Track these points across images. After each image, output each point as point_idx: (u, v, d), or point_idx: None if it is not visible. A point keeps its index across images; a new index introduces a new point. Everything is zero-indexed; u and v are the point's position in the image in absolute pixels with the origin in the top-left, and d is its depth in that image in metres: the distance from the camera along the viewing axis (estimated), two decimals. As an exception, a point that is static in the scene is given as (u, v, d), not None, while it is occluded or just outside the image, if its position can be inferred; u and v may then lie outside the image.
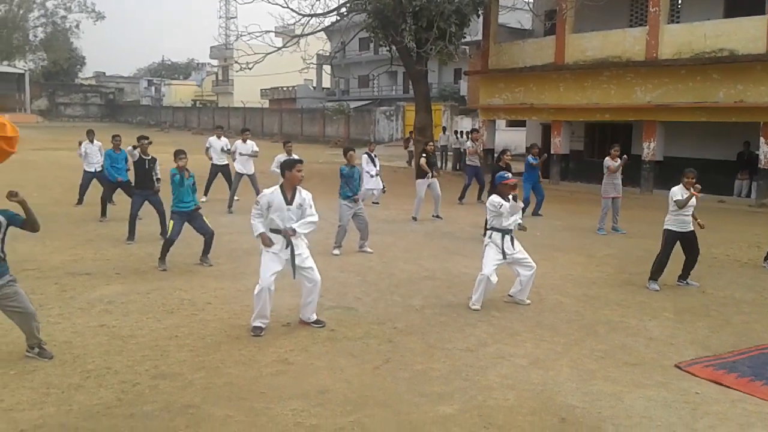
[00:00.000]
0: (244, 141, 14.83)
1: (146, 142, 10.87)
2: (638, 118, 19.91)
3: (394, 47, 22.98)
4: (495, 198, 7.50)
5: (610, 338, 6.64)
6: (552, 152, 22.12)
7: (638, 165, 19.53)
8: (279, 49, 23.45)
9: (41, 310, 6.95)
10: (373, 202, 15.87)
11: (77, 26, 72.40)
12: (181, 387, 5.19)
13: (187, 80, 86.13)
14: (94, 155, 14.07)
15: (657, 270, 8.61)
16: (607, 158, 13.00)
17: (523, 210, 14.56)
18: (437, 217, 13.99)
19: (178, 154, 9.32)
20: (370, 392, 5.21)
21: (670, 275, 8.81)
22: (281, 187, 6.51)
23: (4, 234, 5.36)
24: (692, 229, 8.59)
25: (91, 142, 14.24)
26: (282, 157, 13.27)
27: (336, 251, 10.27)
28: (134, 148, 10.91)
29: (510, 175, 7.80)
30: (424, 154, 14.24)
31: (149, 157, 10.82)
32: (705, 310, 7.72)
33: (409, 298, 7.90)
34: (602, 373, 5.70)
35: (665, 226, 8.64)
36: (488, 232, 7.66)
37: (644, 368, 5.83)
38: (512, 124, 30.79)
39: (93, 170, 14.15)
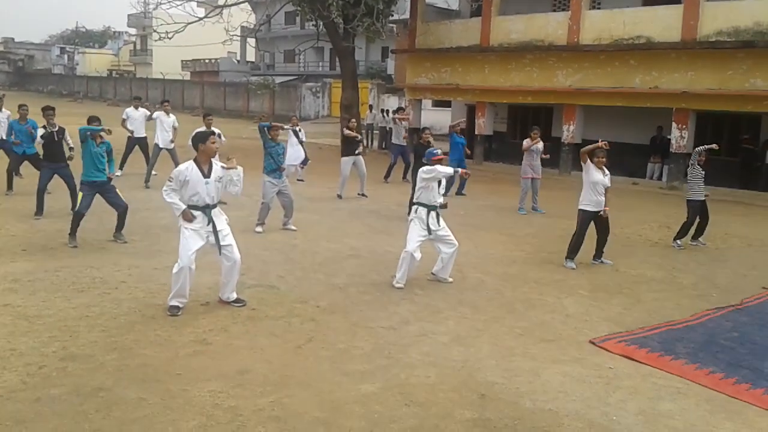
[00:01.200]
0: (167, 113, 14.29)
1: (51, 113, 10.27)
2: (559, 102, 20.39)
3: (320, 22, 22.60)
4: (427, 167, 7.51)
5: (529, 315, 6.78)
6: (476, 133, 22.45)
7: (558, 147, 20.03)
8: (201, 19, 22.67)
9: (-63, 288, 6.53)
10: (297, 179, 15.66)
11: (-18, -13, 68.02)
12: (92, 369, 4.95)
13: (102, 49, 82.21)
14: (1, 124, 13.22)
15: (573, 249, 8.87)
16: (526, 140, 13.29)
17: (447, 189, 14.81)
18: (362, 195, 13.94)
19: (92, 120, 8.85)
20: (292, 372, 5.13)
21: (586, 254, 9.08)
22: (195, 161, 6.28)
23: None
24: (606, 209, 8.87)
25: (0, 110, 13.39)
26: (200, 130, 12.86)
27: (258, 229, 10.06)
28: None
29: (440, 151, 7.84)
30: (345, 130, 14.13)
31: (56, 128, 10.24)
32: (618, 287, 8.01)
33: (333, 277, 7.82)
34: (521, 349, 5.81)
35: (580, 206, 8.89)
36: (414, 207, 7.66)
37: (560, 344, 5.98)
38: (438, 104, 31.03)
39: (-1, 140, 13.31)
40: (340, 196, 13.72)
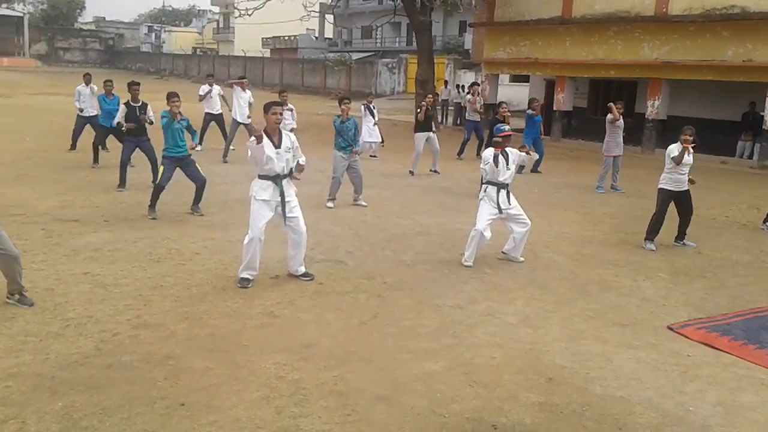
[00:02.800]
0: (243, 89, 14.53)
1: (136, 88, 10.60)
2: (644, 75, 19.49)
3: (397, -4, 22.43)
4: (487, 152, 7.33)
5: (602, 298, 6.53)
6: (555, 109, 21.83)
7: (641, 123, 19.24)
8: (279, -5, 22.89)
9: (25, 256, 6.80)
10: (370, 156, 15.68)
11: (77, -32, 71.30)
12: (163, 338, 5.09)
13: (187, 27, 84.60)
14: (89, 99, 13.80)
15: (652, 230, 8.48)
16: (609, 115, 12.75)
17: (522, 167, 14.44)
18: (435, 171, 13.79)
19: (171, 96, 9.07)
20: (356, 347, 5.12)
21: (668, 235, 8.67)
22: (265, 131, 6.31)
23: None
24: (687, 188, 8.43)
25: (87, 85, 13.96)
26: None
27: (330, 204, 10.11)
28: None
29: (507, 127, 7.63)
30: (418, 109, 13.91)
31: (139, 104, 10.57)
32: (700, 271, 7.61)
33: (401, 253, 7.77)
34: (592, 333, 5.60)
35: (660, 185, 8.49)
36: (483, 186, 7.49)
37: (635, 329, 5.73)
38: (516, 79, 30.33)
39: (87, 115, 13.89)
40: (412, 173, 13.63)
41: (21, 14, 66.70)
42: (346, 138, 10.01)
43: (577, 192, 12.61)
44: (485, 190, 7.41)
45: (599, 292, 6.72)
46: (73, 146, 14.24)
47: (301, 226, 6.44)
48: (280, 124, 6.40)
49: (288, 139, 6.40)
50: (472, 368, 4.83)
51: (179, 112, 9.00)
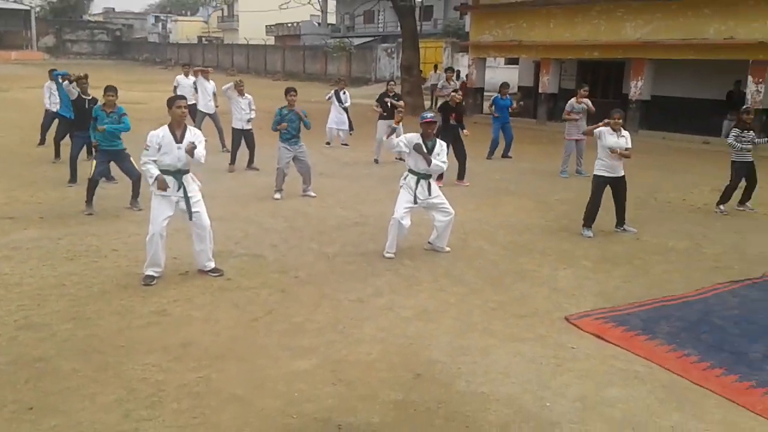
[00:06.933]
0: (207, 79, 14.45)
1: (84, 81, 10.59)
2: (627, 56, 19.14)
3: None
4: (408, 136, 7.22)
5: (512, 288, 6.41)
6: (540, 91, 21.54)
7: (626, 104, 18.90)
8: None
9: (-57, 256, 6.90)
10: (342, 144, 15.59)
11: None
12: (41, 339, 5.07)
13: (193, 17, 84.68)
14: (57, 95, 13.83)
15: (589, 216, 8.35)
16: (571, 100, 12.54)
17: (492, 151, 14.31)
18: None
19: (108, 90, 9.04)
20: (235, 346, 5.06)
21: (611, 222, 8.53)
22: (169, 126, 6.27)
23: None
24: (622, 174, 8.25)
25: (62, 82, 13.98)
26: (230, 84, 12.58)
27: (276, 195, 10.05)
28: (70, 82, 10.56)
29: (431, 114, 7.45)
30: (377, 103, 13.74)
31: (89, 97, 10.56)
32: (629, 258, 7.45)
33: (327, 246, 7.69)
34: (483, 325, 5.50)
35: (594, 172, 8.32)
36: (404, 173, 7.39)
37: (531, 321, 5.62)
38: (510, 62, 29.97)
39: (55, 110, 13.94)
40: (377, 161, 13.52)
41: (28, 7, 67.11)
42: (291, 128, 9.91)
43: (540, 177, 12.43)
44: (405, 178, 7.31)
45: (512, 282, 6.60)
46: (42, 141, 14.35)
47: (204, 220, 6.38)
48: (184, 118, 6.35)
49: (190, 134, 6.33)
50: (343, 366, 4.75)
51: (114, 104, 8.98)
